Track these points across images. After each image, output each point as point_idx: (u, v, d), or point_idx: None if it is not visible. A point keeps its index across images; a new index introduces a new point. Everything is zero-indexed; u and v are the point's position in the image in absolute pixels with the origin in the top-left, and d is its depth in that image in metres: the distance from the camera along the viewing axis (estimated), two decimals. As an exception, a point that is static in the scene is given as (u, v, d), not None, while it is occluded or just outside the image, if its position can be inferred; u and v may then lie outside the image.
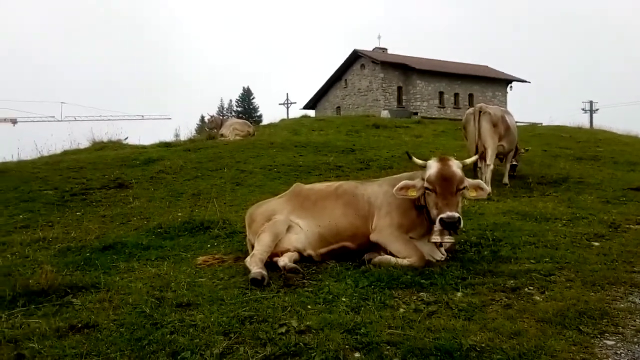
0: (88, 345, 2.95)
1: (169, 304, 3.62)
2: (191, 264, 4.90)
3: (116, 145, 16.82)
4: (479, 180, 4.79)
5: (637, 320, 3.27)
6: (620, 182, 9.93)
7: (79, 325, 3.27)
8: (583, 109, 49.32)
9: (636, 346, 2.90)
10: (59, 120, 54.77)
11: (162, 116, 56.86)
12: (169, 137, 19.05)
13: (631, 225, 6.20)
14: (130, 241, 6.00)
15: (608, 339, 2.98)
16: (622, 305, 3.51)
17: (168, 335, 3.01)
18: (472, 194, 4.62)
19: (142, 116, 57.95)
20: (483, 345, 2.80)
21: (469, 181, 4.57)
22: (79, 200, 8.92)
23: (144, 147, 16.18)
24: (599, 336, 3.01)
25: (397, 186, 4.55)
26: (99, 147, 16.41)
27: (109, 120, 44.72)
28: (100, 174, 10.74)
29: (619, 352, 2.83)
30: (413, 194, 4.55)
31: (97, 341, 3.01)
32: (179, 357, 2.73)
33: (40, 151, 15.27)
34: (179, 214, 7.29)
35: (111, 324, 3.30)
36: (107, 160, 12.23)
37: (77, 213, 8.05)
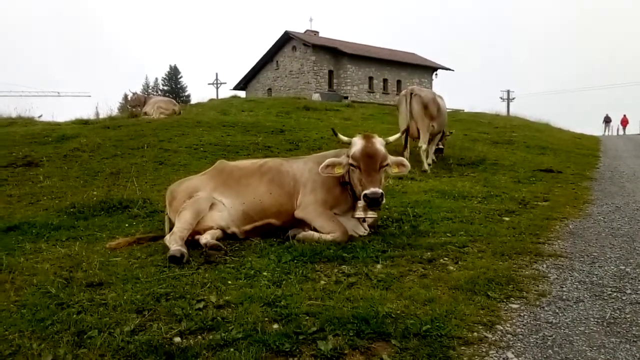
0: (-17, 328, 2.70)
1: (77, 284, 3.40)
2: (106, 244, 4.63)
3: (27, 122, 15.53)
4: (401, 157, 4.90)
5: (539, 285, 3.51)
6: (531, 164, 10.74)
7: (-27, 308, 2.99)
8: (501, 98, 52.83)
9: (538, 308, 3.11)
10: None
11: (81, 93, 52.95)
12: (87, 115, 17.81)
13: (539, 202, 6.68)
14: (39, 221, 5.63)
15: (513, 303, 3.18)
16: (527, 273, 3.76)
17: (74, 315, 2.82)
18: (394, 170, 4.72)
19: (59, 93, 53.48)
20: (398, 312, 2.88)
21: (391, 158, 4.66)
22: (-19, 179, 8.15)
23: (57, 124, 15.05)
24: (505, 300, 3.20)
25: (323, 164, 4.54)
26: (6, 123, 15.06)
27: (20, 96, 41.09)
28: (7, 151, 9.92)
29: (522, 314, 3.02)
30: (339, 171, 4.57)
31: (-7, 323, 2.76)
32: (85, 337, 2.55)
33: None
34: (95, 192, 6.85)
35: (11, 305, 3.07)
36: (15, 137, 11.29)
37: (-21, 193, 7.35)
